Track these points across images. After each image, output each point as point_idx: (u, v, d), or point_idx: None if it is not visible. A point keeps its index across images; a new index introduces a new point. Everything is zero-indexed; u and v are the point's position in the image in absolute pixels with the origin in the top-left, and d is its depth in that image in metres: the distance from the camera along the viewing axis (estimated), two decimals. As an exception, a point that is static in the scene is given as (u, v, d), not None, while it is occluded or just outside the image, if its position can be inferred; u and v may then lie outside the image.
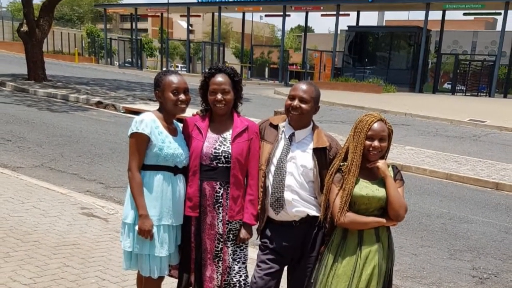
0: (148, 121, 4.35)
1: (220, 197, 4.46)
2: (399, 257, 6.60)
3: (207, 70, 4.63)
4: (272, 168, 4.43)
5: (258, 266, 4.55)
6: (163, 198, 4.39)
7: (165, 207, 4.41)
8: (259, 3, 54.37)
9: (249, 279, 4.62)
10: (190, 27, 63.67)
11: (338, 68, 51.81)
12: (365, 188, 4.13)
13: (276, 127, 4.56)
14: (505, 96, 45.67)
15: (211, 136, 4.49)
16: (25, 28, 25.38)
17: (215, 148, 4.42)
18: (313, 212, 4.42)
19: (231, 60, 69.23)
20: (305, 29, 61.32)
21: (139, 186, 4.33)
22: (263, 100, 28.96)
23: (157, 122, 4.40)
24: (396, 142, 15.83)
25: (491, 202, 11.53)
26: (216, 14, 59.03)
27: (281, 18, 54.61)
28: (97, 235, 7.24)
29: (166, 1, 55.81)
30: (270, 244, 4.53)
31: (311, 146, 4.45)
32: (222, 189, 4.46)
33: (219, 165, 4.43)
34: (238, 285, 4.57)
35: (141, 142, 4.32)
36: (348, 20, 57.74)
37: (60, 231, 7.19)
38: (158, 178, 4.39)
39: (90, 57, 69.04)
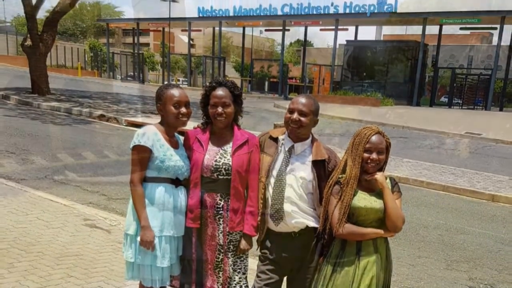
0: (150, 134, 4.37)
1: (221, 209, 4.48)
2: (396, 267, 6.61)
3: (208, 84, 4.65)
4: (272, 180, 4.44)
5: (258, 276, 4.56)
6: (165, 209, 4.40)
7: (167, 219, 4.42)
8: (259, 18, 54.49)
9: (249, 289, 4.63)
10: (191, 42, 63.75)
11: (336, 82, 51.87)
12: (363, 200, 4.14)
13: (276, 139, 4.58)
14: (501, 110, 45.71)
15: (211, 148, 4.51)
16: (29, 42, 25.44)
17: (215, 161, 4.44)
18: (312, 223, 4.43)
19: (232, 74, 69.32)
20: (304, 44, 61.47)
21: (141, 198, 4.34)
22: (263, 113, 28.97)
23: (158, 135, 4.42)
24: (394, 154, 15.85)
25: (487, 214, 11.53)
26: (217, 28, 59.17)
27: (280, 33, 54.74)
28: (99, 246, 7.24)
29: (167, 16, 55.94)
30: (270, 255, 4.54)
31: (310, 158, 4.46)
32: (223, 200, 4.48)
33: (220, 177, 4.44)
34: (238, 295, 4.58)
35: (143, 154, 4.33)
36: (346, 35, 57.89)
37: (63, 242, 7.20)
38: (159, 190, 4.40)
39: (92, 71, 69.13)
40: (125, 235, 4.50)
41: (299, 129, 4.40)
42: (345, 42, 53.86)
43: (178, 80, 73.59)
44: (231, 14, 55.88)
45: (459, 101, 51.24)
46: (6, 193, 9.27)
